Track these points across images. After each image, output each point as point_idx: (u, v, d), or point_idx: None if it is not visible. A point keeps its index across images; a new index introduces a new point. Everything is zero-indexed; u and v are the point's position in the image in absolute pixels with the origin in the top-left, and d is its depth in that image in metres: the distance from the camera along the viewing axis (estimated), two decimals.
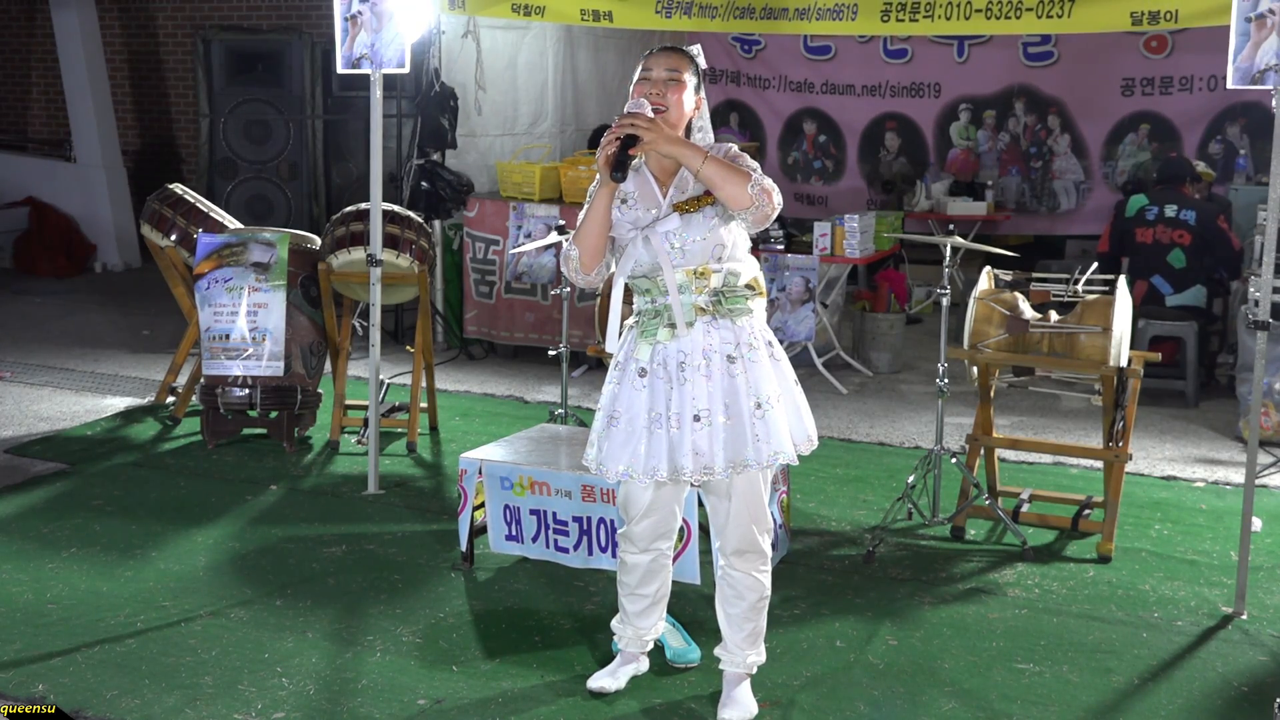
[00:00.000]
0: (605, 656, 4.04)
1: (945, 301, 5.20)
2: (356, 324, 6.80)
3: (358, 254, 6.09)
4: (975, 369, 5.29)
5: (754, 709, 3.73)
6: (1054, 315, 5.24)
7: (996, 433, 5.64)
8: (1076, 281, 5.35)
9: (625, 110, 3.46)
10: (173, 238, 6.85)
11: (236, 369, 6.29)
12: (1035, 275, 5.74)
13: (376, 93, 5.53)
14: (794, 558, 4.97)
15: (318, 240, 6.59)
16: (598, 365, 7.90)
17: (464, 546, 4.84)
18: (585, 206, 3.57)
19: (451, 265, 8.54)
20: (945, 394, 5.25)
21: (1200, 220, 7.47)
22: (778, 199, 3.47)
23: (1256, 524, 5.23)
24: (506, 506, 4.75)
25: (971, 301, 5.26)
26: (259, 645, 4.16)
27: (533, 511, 4.71)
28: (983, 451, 5.41)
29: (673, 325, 3.52)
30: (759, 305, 3.70)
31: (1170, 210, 7.53)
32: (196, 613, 4.42)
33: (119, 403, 7.15)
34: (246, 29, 11.61)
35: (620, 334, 3.66)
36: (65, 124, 12.06)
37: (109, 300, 10.24)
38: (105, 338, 8.88)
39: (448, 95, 8.23)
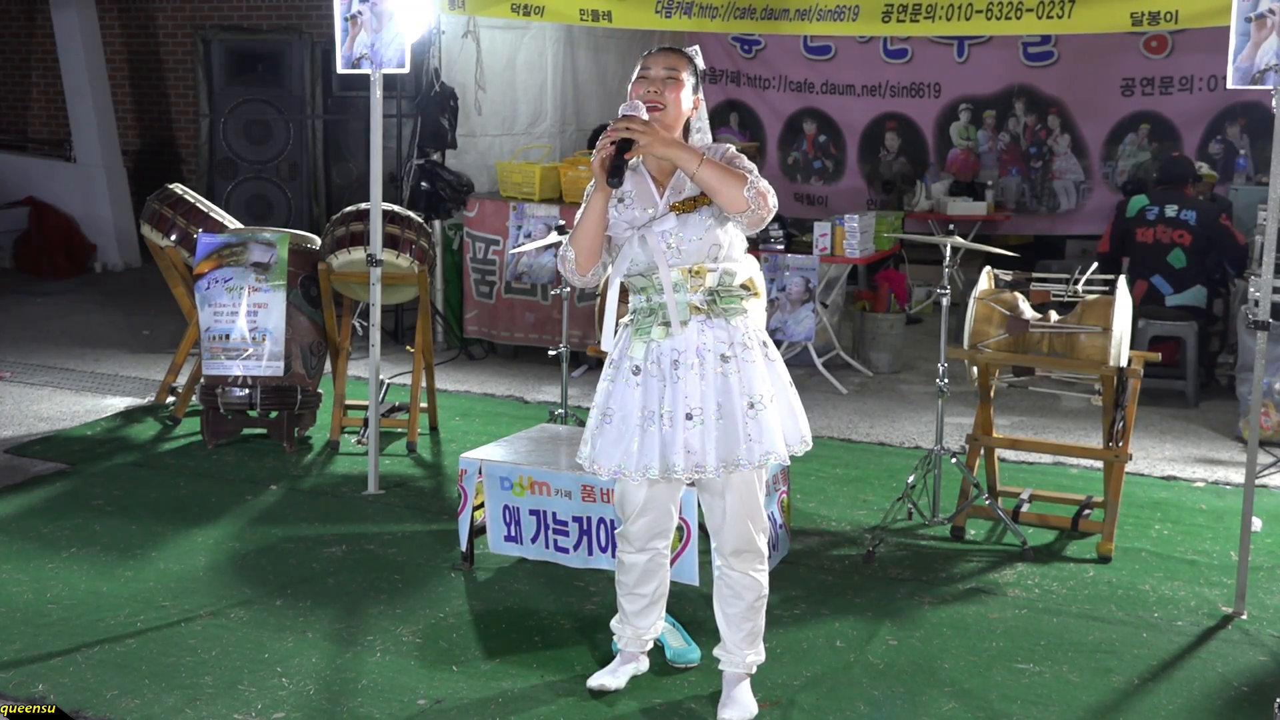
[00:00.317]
0: (605, 656, 4.04)
1: (945, 301, 5.20)
2: (356, 324, 6.80)
3: (358, 254, 6.09)
4: (975, 369, 5.30)
5: (754, 709, 3.73)
6: (1054, 315, 5.24)
7: (996, 433, 5.64)
8: (1076, 281, 5.36)
9: (620, 113, 3.46)
10: (173, 238, 6.85)
11: (236, 369, 6.29)
12: (1035, 275, 5.74)
13: (376, 93, 5.53)
14: (794, 558, 4.97)
15: (318, 240, 6.59)
16: (598, 365, 7.90)
17: (464, 546, 4.84)
18: (582, 207, 3.57)
19: (451, 265, 8.54)
20: (945, 394, 5.25)
21: (1201, 220, 7.47)
22: (773, 201, 3.47)
23: (1256, 524, 5.23)
24: (506, 507, 4.75)
25: (971, 301, 5.26)
26: (259, 645, 4.16)
27: (532, 512, 4.71)
28: (983, 451, 5.41)
29: (667, 324, 3.53)
30: (755, 305, 3.70)
31: (1171, 210, 7.54)
32: (196, 613, 4.42)
33: (119, 403, 7.15)
34: (246, 29, 11.61)
35: (615, 332, 3.66)
36: (65, 124, 12.05)
37: (109, 300, 10.24)
38: (105, 338, 8.88)
39: (448, 95, 8.23)
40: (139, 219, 7.21)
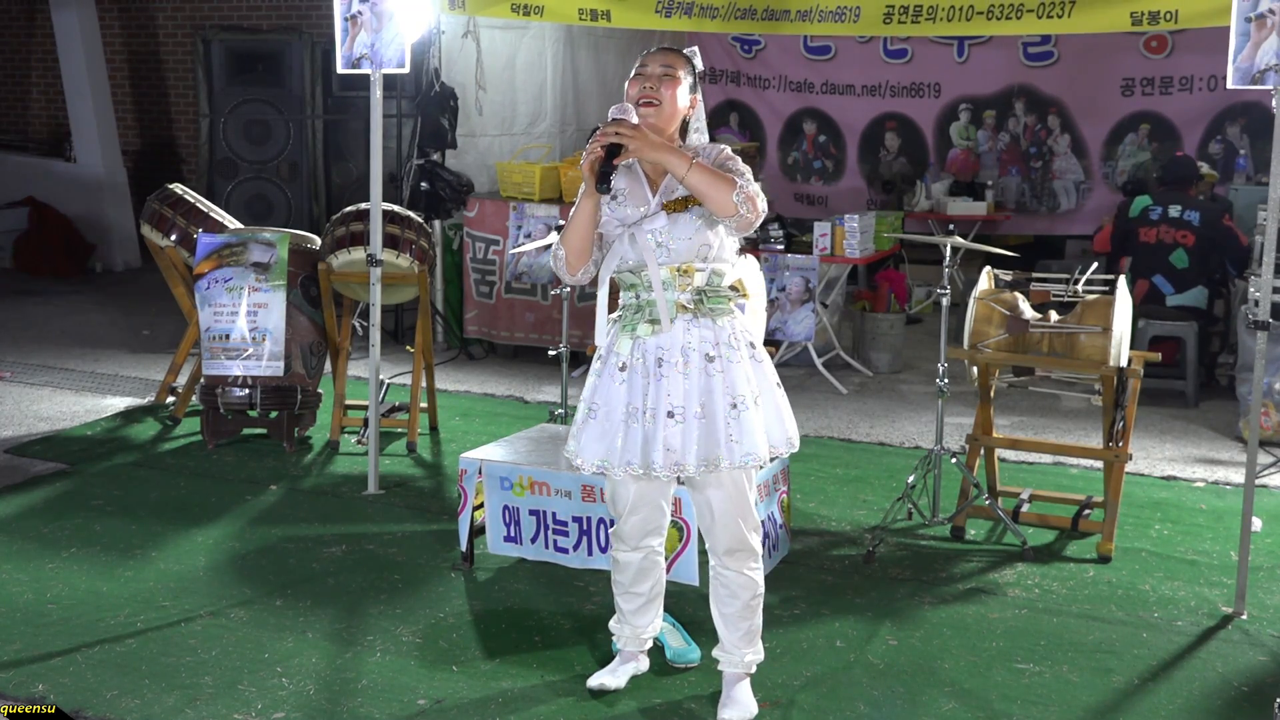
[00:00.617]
0: (605, 656, 4.04)
1: (945, 301, 5.20)
2: (356, 324, 6.80)
3: (358, 254, 6.09)
4: (975, 369, 5.30)
5: (754, 709, 3.73)
6: (1054, 315, 5.24)
7: (996, 433, 5.64)
8: (1076, 281, 5.36)
9: (609, 115, 3.46)
10: (173, 238, 6.85)
11: (236, 369, 6.29)
12: (1035, 275, 5.74)
13: (376, 93, 5.53)
14: (794, 558, 4.97)
15: (318, 240, 6.59)
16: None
17: (464, 546, 4.84)
18: (574, 206, 3.58)
19: (451, 265, 8.54)
20: (945, 394, 5.25)
21: (1205, 221, 7.47)
22: (762, 205, 3.47)
23: (1256, 524, 5.23)
24: (505, 507, 4.75)
25: (971, 301, 5.26)
26: (259, 645, 4.16)
27: (532, 512, 4.71)
28: (983, 451, 5.41)
29: (654, 321, 3.54)
30: (754, 308, 3.70)
31: (1174, 210, 7.53)
32: (196, 613, 4.42)
33: (119, 403, 7.15)
34: (246, 29, 11.61)
35: (608, 328, 3.68)
36: (65, 124, 12.05)
37: (109, 300, 10.24)
38: (105, 338, 8.88)
39: (448, 95, 8.23)
40: (139, 219, 7.21)
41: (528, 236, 7.91)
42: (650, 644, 3.98)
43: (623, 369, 3.58)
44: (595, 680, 3.87)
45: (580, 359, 7.98)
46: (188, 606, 4.47)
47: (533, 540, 4.73)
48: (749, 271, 5.12)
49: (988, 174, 10.55)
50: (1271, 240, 4.40)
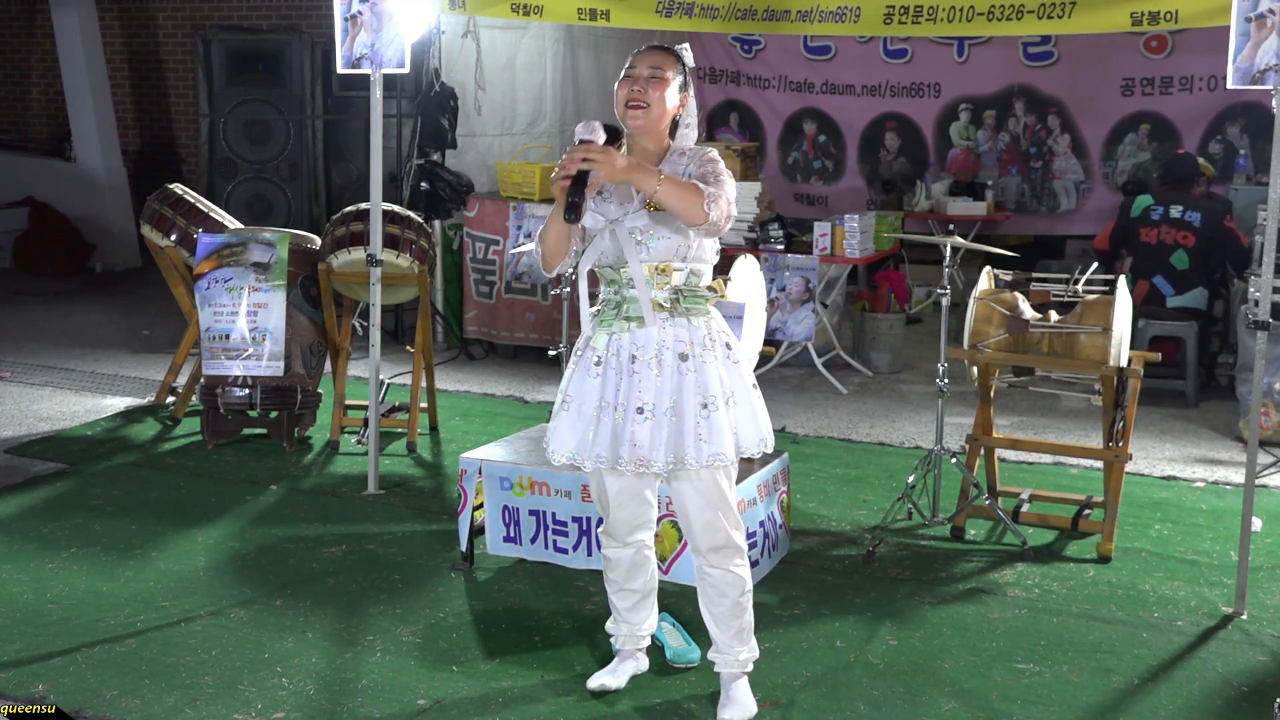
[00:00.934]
0: (605, 656, 4.04)
1: (945, 301, 5.20)
2: (356, 324, 6.80)
3: (358, 254, 6.09)
4: (975, 369, 5.30)
5: (753, 708, 3.73)
6: (1054, 315, 5.24)
7: (996, 433, 5.64)
8: (1076, 281, 5.36)
9: (575, 138, 3.44)
10: (173, 238, 6.85)
11: (236, 369, 6.29)
12: (1035, 275, 5.74)
13: (376, 93, 5.53)
14: (794, 558, 4.97)
15: (318, 240, 6.59)
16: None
17: (464, 546, 4.84)
18: (553, 208, 3.57)
19: (451, 265, 8.54)
20: (945, 394, 5.25)
21: (1206, 221, 7.46)
22: (732, 211, 3.48)
23: (1256, 524, 5.23)
24: (505, 507, 4.75)
25: (971, 301, 5.26)
26: (259, 645, 4.16)
27: (532, 512, 4.71)
28: (983, 451, 5.41)
29: (630, 318, 3.56)
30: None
31: (1175, 211, 7.52)
32: (196, 613, 4.42)
33: (119, 403, 7.15)
34: (246, 29, 11.61)
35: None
36: (65, 124, 12.05)
37: (109, 300, 10.25)
38: (105, 338, 8.88)
39: (448, 95, 8.23)
40: (139, 219, 7.21)
41: (528, 236, 7.91)
42: (649, 642, 3.98)
43: (598, 363, 3.62)
44: (595, 681, 3.87)
45: None
46: (188, 606, 4.47)
47: (532, 540, 4.73)
48: (749, 272, 5.12)
49: (988, 174, 10.55)
50: (1271, 240, 4.40)
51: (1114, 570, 4.91)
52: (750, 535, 4.59)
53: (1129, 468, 5.65)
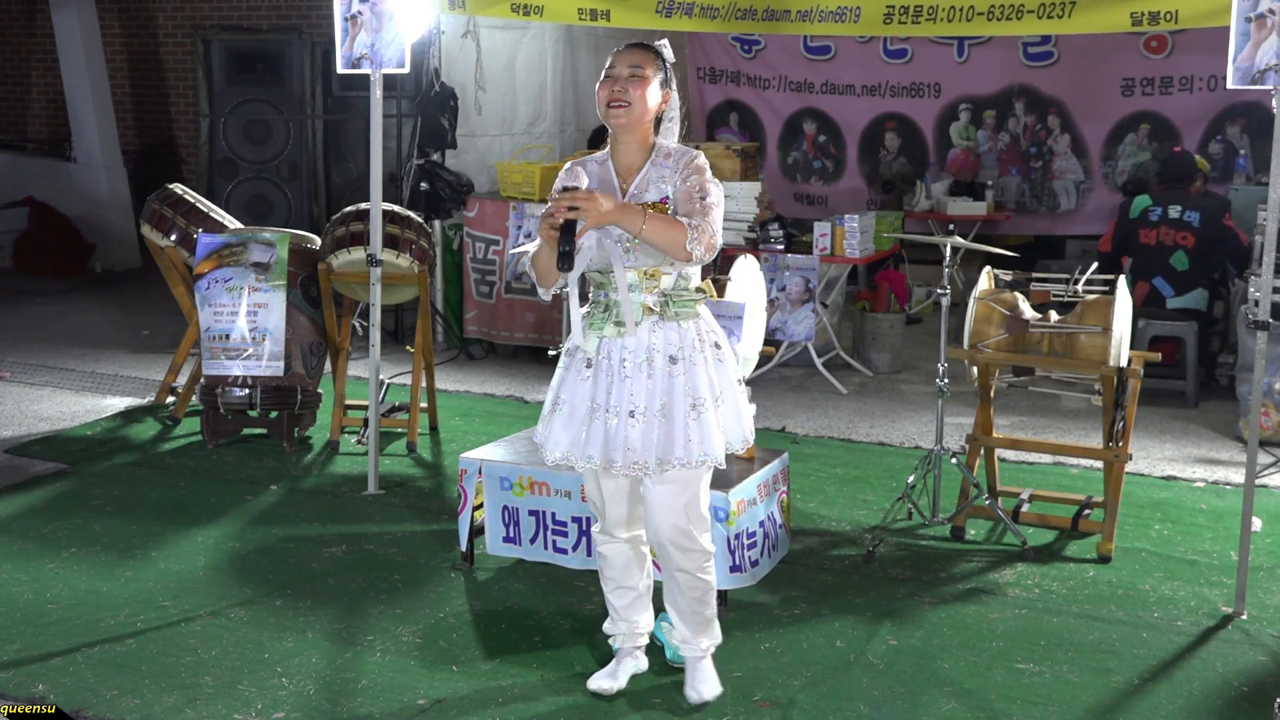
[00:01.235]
0: (605, 656, 4.04)
1: (945, 301, 5.20)
2: (356, 324, 6.80)
3: (358, 254, 6.09)
4: (975, 369, 5.29)
5: (718, 686, 3.80)
6: (1054, 315, 5.24)
7: (996, 433, 5.64)
8: (1076, 281, 5.35)
9: (558, 184, 3.47)
10: (173, 238, 6.85)
11: (236, 369, 6.29)
12: (1035, 275, 5.74)
13: (376, 93, 5.53)
14: (794, 558, 4.97)
15: (318, 240, 6.59)
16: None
17: (464, 546, 4.84)
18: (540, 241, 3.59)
19: (451, 265, 8.54)
20: (945, 394, 5.25)
21: (1205, 221, 7.45)
22: (717, 243, 3.52)
23: (1256, 524, 5.23)
24: (505, 508, 4.75)
25: (971, 301, 5.26)
26: (259, 645, 4.16)
27: (531, 512, 4.71)
28: (983, 451, 5.41)
29: (619, 323, 3.59)
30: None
31: (1174, 211, 7.52)
32: (196, 613, 4.42)
33: (119, 403, 7.15)
34: (246, 29, 11.61)
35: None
36: (65, 124, 12.05)
37: (109, 300, 10.24)
38: (105, 338, 8.88)
39: (448, 95, 8.23)
40: (139, 219, 7.21)
41: (528, 236, 7.90)
42: (647, 641, 3.98)
43: (589, 365, 3.65)
44: (595, 682, 3.87)
45: None
46: (188, 606, 4.47)
47: (532, 541, 4.73)
48: (749, 272, 5.12)
49: (988, 174, 10.54)
50: (1271, 240, 4.40)
51: (1114, 570, 4.91)
52: (750, 535, 4.59)
53: (1129, 468, 5.65)
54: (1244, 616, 4.48)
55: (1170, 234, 7.49)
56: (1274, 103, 4.36)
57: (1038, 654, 4.17)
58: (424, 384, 6.54)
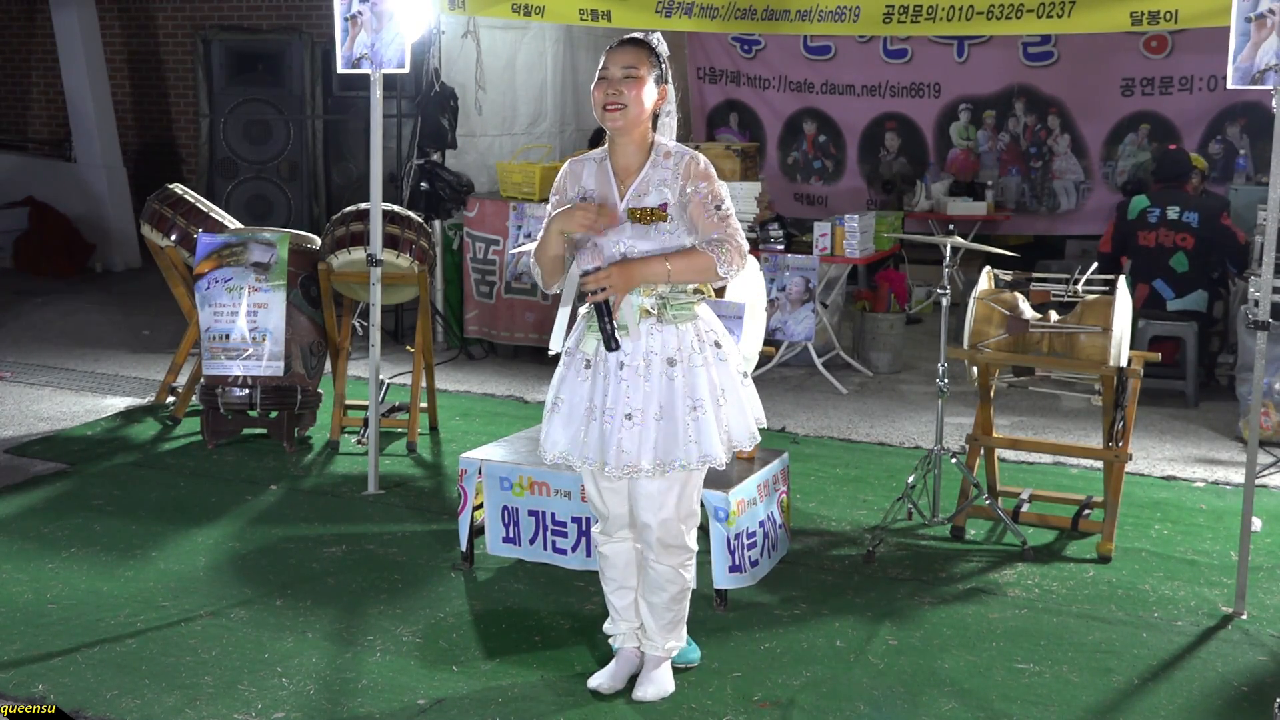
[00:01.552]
0: (605, 656, 4.04)
1: (945, 301, 5.20)
2: (356, 324, 6.80)
3: (358, 254, 6.09)
4: (975, 369, 5.29)
5: (670, 687, 3.81)
6: (1054, 315, 5.24)
7: (996, 433, 5.64)
8: (1076, 281, 5.35)
9: (580, 270, 3.55)
10: (173, 238, 6.85)
11: (236, 369, 6.29)
12: (1035, 275, 5.74)
13: (376, 93, 5.53)
14: (794, 558, 4.97)
15: (318, 240, 6.59)
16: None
17: (464, 547, 4.84)
18: (544, 235, 3.63)
19: (451, 265, 8.54)
20: (945, 394, 5.25)
21: (1204, 221, 7.44)
22: (744, 251, 3.57)
23: (1256, 524, 5.23)
24: (505, 508, 4.75)
25: (971, 301, 5.26)
26: (259, 645, 4.16)
27: (531, 512, 4.71)
28: (983, 451, 5.41)
29: (619, 325, 3.59)
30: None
31: (1173, 212, 7.50)
32: (196, 613, 4.42)
33: (119, 403, 7.15)
34: (246, 29, 11.61)
35: (565, 335, 3.76)
36: (65, 124, 12.05)
37: (109, 300, 10.24)
38: (105, 338, 8.88)
39: (448, 95, 8.23)
40: (139, 219, 7.21)
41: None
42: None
43: (587, 366, 3.67)
44: (594, 681, 3.87)
45: None
46: (188, 606, 4.47)
47: (531, 541, 4.72)
48: (749, 272, 5.12)
49: (988, 174, 10.54)
50: (1271, 240, 4.40)
51: (1114, 570, 4.91)
52: (750, 535, 4.59)
53: (1129, 468, 5.64)
54: (1244, 616, 4.48)
55: (1170, 236, 7.49)
56: (1274, 103, 4.36)
57: (1038, 654, 4.17)
58: (424, 384, 6.54)
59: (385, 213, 6.05)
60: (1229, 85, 4.39)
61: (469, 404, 7.29)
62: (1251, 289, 6.69)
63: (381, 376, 6.08)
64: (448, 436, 6.59)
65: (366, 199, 5.77)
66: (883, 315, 8.28)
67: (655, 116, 3.67)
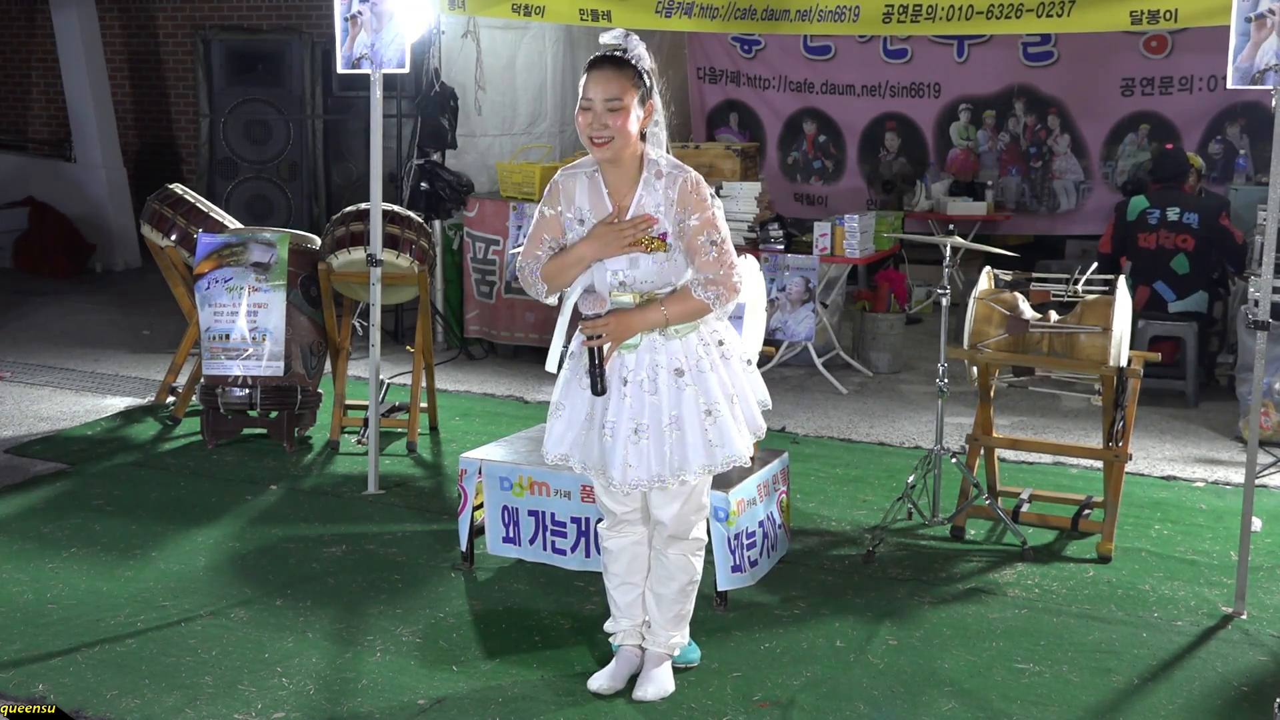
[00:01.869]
0: (605, 656, 4.04)
1: (945, 301, 5.20)
2: (356, 324, 6.80)
3: (358, 254, 6.09)
4: (975, 369, 5.29)
5: (670, 687, 3.81)
6: (1054, 315, 5.24)
7: (996, 433, 5.64)
8: (1076, 281, 5.35)
9: (581, 312, 3.57)
10: (173, 238, 6.85)
11: (236, 369, 6.29)
12: (1035, 275, 5.74)
13: (376, 93, 5.53)
14: (794, 558, 4.97)
15: (318, 240, 6.59)
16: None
17: (464, 546, 4.84)
18: (566, 259, 3.65)
19: (451, 265, 8.54)
20: (945, 394, 5.25)
21: (1203, 221, 7.44)
22: (737, 279, 3.57)
23: (1256, 524, 5.23)
24: (505, 508, 4.75)
25: (971, 301, 5.26)
26: (259, 645, 4.16)
27: (531, 512, 4.71)
28: (983, 451, 5.41)
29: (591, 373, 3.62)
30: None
31: (1172, 213, 7.49)
32: (196, 613, 4.42)
33: (119, 403, 7.15)
34: (246, 29, 11.61)
35: (561, 359, 3.77)
36: (65, 124, 12.05)
37: (109, 300, 10.24)
38: (105, 338, 8.88)
39: (448, 95, 8.23)
40: (139, 219, 7.21)
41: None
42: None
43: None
44: (595, 682, 3.87)
45: None
46: (188, 606, 4.47)
47: (531, 541, 4.72)
48: (749, 272, 5.12)
49: (988, 174, 10.54)
50: (1271, 240, 4.40)
51: (1114, 570, 4.91)
52: (750, 535, 4.59)
53: (1129, 468, 5.64)
54: (1244, 616, 4.48)
55: (1170, 237, 7.48)
56: (1274, 103, 4.36)
57: (1038, 654, 4.17)
58: (424, 384, 6.54)
59: (385, 213, 6.05)
60: (1229, 85, 4.39)
61: (469, 404, 7.29)
62: (1251, 289, 6.69)
63: (381, 376, 6.08)
64: (448, 436, 6.59)
65: (366, 199, 5.77)
66: (883, 315, 8.28)
67: (643, 138, 3.62)
